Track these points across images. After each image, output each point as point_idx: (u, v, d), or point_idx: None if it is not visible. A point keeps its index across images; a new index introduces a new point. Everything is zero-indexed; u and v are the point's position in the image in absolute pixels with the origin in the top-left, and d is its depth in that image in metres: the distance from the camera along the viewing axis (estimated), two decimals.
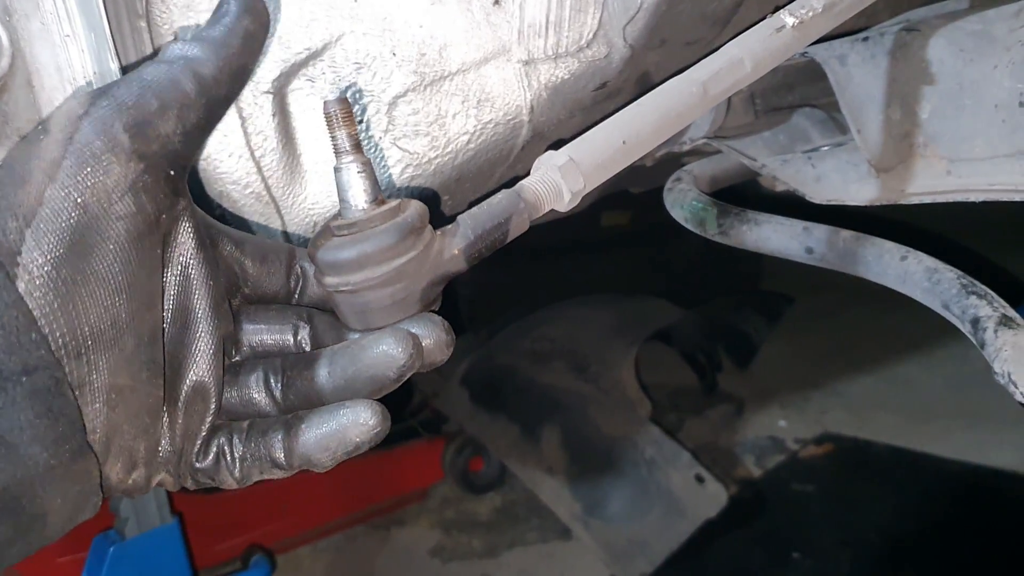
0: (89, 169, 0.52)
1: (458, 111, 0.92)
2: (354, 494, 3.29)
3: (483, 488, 3.60)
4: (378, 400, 0.62)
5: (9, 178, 0.52)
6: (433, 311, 0.66)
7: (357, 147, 0.64)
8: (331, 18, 0.82)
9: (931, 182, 0.93)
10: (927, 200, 0.94)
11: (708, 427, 3.92)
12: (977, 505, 3.10)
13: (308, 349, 0.67)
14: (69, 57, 0.75)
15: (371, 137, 0.89)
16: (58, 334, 0.50)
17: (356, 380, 0.60)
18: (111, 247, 0.53)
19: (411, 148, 0.91)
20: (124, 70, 0.78)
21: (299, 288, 0.70)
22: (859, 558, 2.92)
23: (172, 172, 0.57)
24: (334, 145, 0.64)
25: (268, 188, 0.86)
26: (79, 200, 0.52)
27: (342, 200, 0.64)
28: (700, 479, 3.10)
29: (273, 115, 0.83)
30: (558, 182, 0.66)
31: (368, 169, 0.64)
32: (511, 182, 0.68)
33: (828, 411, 3.89)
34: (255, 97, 0.82)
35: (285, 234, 0.90)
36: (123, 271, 0.54)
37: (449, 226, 0.65)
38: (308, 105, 0.84)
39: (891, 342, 4.16)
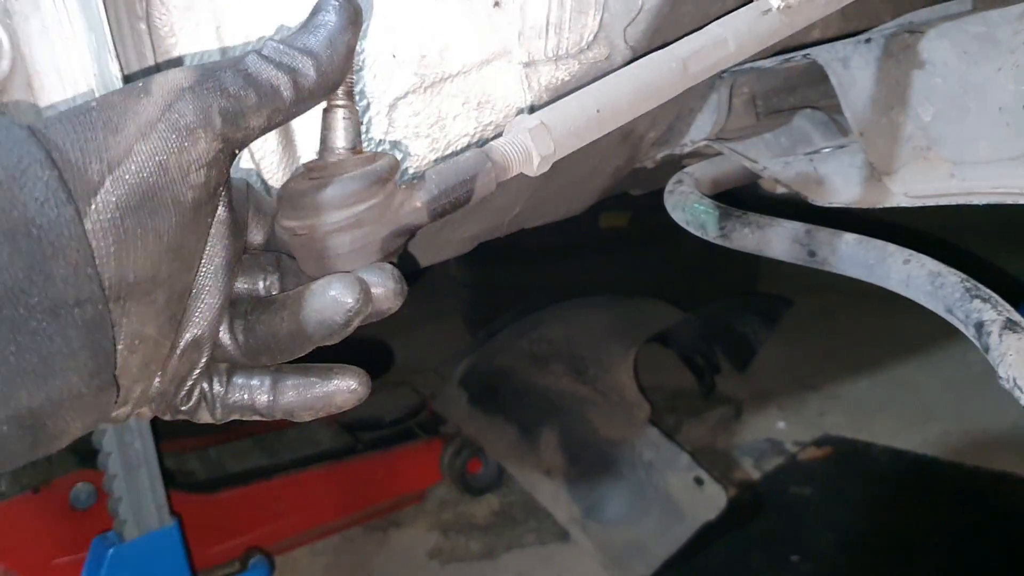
0: (178, 137, 0.55)
1: (459, 113, 0.92)
2: (352, 496, 3.29)
3: (481, 490, 3.59)
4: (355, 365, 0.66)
5: (103, 123, 0.54)
6: (392, 263, 0.67)
7: (349, 95, 0.65)
8: None
9: (934, 185, 0.93)
10: (930, 203, 0.94)
11: (706, 429, 3.92)
12: (976, 508, 3.10)
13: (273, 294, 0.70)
14: (69, 59, 0.75)
15: (371, 139, 0.89)
16: (107, 275, 0.53)
17: (307, 325, 0.62)
18: (176, 210, 0.56)
19: (411, 149, 0.91)
20: (124, 72, 0.77)
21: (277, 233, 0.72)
22: (858, 561, 2.92)
23: (236, 151, 0.60)
24: None
25: (267, 189, 0.86)
26: (163, 161, 0.54)
27: (322, 141, 0.65)
28: (699, 481, 3.10)
29: None
30: (528, 145, 0.66)
31: (354, 118, 0.65)
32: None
33: (827, 413, 3.89)
34: None
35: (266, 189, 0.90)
36: (178, 233, 0.57)
37: (414, 180, 0.65)
38: None
39: (890, 344, 4.16)
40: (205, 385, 0.65)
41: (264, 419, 0.67)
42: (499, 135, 0.95)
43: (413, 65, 0.87)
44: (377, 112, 0.87)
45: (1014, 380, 0.74)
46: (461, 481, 3.54)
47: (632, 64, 0.72)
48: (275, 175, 0.85)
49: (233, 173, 0.83)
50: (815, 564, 2.94)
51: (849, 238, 0.96)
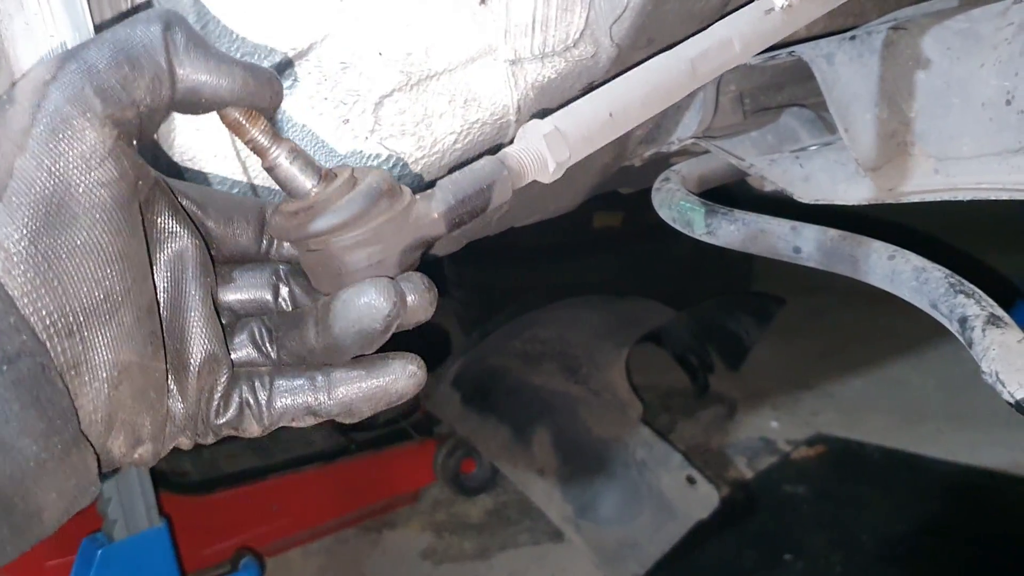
0: (61, 135, 0.48)
1: (445, 111, 0.92)
2: (345, 496, 3.29)
3: (474, 490, 3.60)
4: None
5: None
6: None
7: (276, 137, 0.60)
8: (317, 17, 0.82)
9: (919, 181, 0.93)
10: (915, 199, 0.94)
11: (699, 428, 3.92)
12: (968, 506, 3.10)
13: (289, 308, 0.65)
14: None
15: (357, 137, 0.89)
16: (44, 313, 0.47)
17: (345, 336, 0.58)
18: (97, 215, 0.49)
19: (397, 148, 0.91)
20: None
21: (272, 247, 0.67)
22: (851, 559, 2.93)
23: (134, 141, 0.53)
24: (254, 148, 0.60)
25: (254, 188, 0.86)
26: (53, 168, 0.48)
27: (290, 191, 0.60)
28: (691, 480, 3.10)
29: None
30: (543, 151, 0.65)
31: (298, 152, 0.60)
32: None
33: (820, 412, 3.90)
34: None
35: (253, 190, 0.90)
36: (113, 240, 0.50)
37: (429, 190, 0.63)
38: (293, 104, 0.84)
39: (883, 343, 4.17)
40: (246, 394, 0.60)
41: (320, 419, 0.61)
42: (496, 132, 0.96)
43: (399, 63, 0.87)
44: (363, 110, 0.87)
45: (996, 374, 0.74)
46: (455, 481, 3.54)
47: (640, 66, 0.71)
48: (262, 172, 0.85)
49: (218, 173, 0.84)
50: (808, 562, 2.95)
51: (834, 234, 0.96)
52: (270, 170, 0.60)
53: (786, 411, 3.95)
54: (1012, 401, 0.74)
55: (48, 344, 0.47)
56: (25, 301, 0.46)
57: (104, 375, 0.50)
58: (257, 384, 0.61)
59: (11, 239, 0.46)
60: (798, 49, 0.99)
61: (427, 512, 3.55)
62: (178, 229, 0.59)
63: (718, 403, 4.08)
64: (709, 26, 0.76)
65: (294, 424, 0.62)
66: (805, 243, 0.99)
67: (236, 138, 0.82)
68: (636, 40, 0.96)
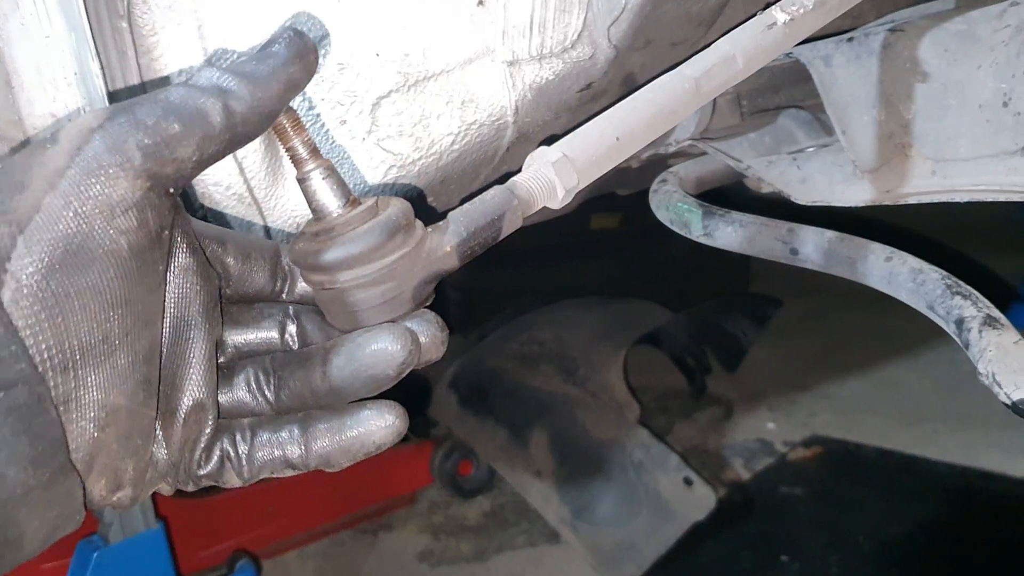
0: (94, 180, 0.49)
1: (442, 112, 0.92)
2: (342, 499, 3.28)
3: (472, 492, 3.59)
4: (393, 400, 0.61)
5: (6, 183, 0.49)
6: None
7: (315, 152, 0.62)
8: (315, 20, 0.82)
9: (916, 183, 0.93)
10: (912, 201, 0.94)
11: (697, 430, 3.92)
12: (966, 507, 3.11)
13: (296, 346, 0.65)
14: (49, 57, 0.75)
15: (354, 138, 0.89)
16: (44, 346, 0.48)
17: (355, 380, 0.59)
18: (111, 260, 0.50)
19: (395, 149, 0.91)
20: (104, 69, 0.77)
21: (286, 286, 0.68)
22: (848, 561, 2.93)
23: (172, 190, 0.55)
24: (291, 156, 0.62)
25: (251, 190, 0.86)
26: (80, 210, 0.49)
27: (314, 209, 0.62)
28: (688, 482, 3.10)
29: None
30: (552, 179, 0.65)
31: (333, 172, 0.62)
32: (497, 183, 0.67)
33: (817, 414, 3.90)
34: None
35: (267, 235, 0.90)
36: (121, 286, 0.51)
37: (441, 223, 0.63)
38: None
39: (880, 345, 4.17)
40: (227, 446, 0.61)
41: (299, 472, 0.61)
42: (494, 133, 0.96)
43: (396, 64, 0.87)
44: (360, 111, 0.87)
45: (993, 376, 0.74)
46: (452, 483, 3.54)
47: (645, 88, 0.71)
48: (257, 175, 0.85)
49: (215, 174, 0.83)
50: (805, 564, 2.95)
51: (831, 235, 0.97)
52: (301, 182, 0.61)
53: (783, 413, 3.95)
54: (1008, 402, 0.74)
55: (44, 377, 0.48)
56: (28, 332, 0.47)
57: (92, 415, 0.51)
58: (239, 437, 0.61)
59: (26, 271, 0.47)
60: (796, 51, 0.99)
61: (424, 514, 3.54)
62: (191, 276, 0.59)
63: (715, 405, 4.08)
64: (710, 44, 0.75)
65: (273, 475, 0.62)
66: (802, 245, 0.99)
67: (245, 167, 0.83)
68: (634, 41, 0.97)
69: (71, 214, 0.49)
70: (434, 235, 0.62)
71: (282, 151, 0.67)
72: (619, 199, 1.78)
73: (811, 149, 1.09)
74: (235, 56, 0.80)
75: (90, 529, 2.39)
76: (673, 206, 1.13)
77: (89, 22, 0.75)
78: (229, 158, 0.83)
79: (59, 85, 0.75)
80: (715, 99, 1.18)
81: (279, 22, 0.81)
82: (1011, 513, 3.02)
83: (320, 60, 0.60)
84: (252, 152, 0.83)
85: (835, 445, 3.64)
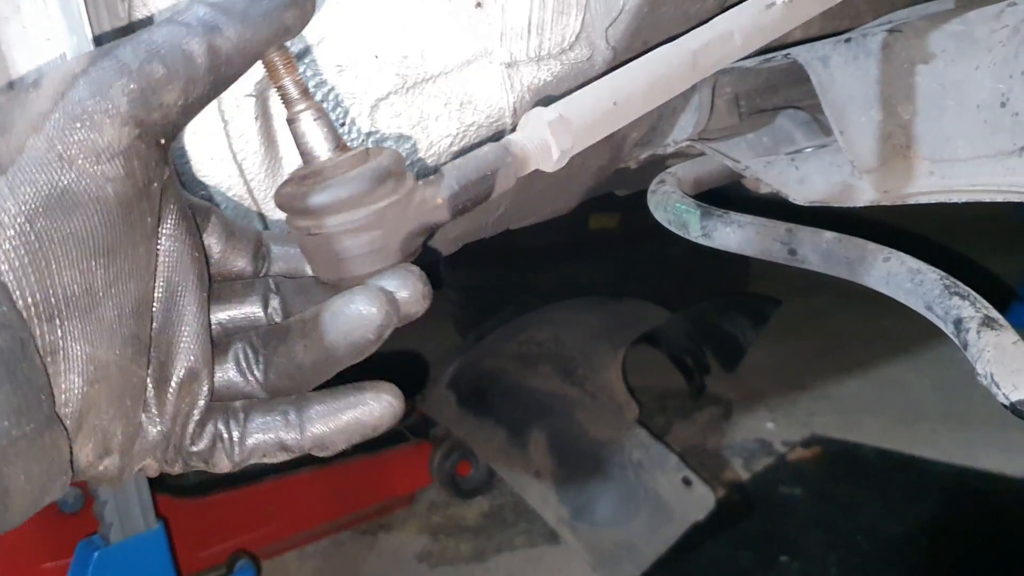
0: (79, 125, 0.48)
1: (440, 113, 0.92)
2: (341, 499, 3.29)
3: (471, 492, 3.60)
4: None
5: None
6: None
7: (306, 93, 0.60)
8: (314, 20, 0.82)
9: (914, 183, 0.93)
10: (910, 201, 0.94)
11: (696, 430, 3.93)
12: (965, 507, 3.11)
13: (279, 319, 0.64)
14: (49, 60, 0.75)
15: (353, 140, 0.89)
16: (27, 292, 0.46)
17: (336, 348, 0.58)
18: (95, 208, 0.49)
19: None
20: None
21: (265, 268, 0.67)
22: (847, 561, 2.93)
23: (163, 140, 0.53)
24: (282, 96, 0.60)
25: (250, 191, 0.86)
26: (64, 154, 0.48)
27: (303, 152, 0.60)
28: (687, 482, 3.10)
29: (255, 118, 0.83)
30: (547, 139, 0.64)
31: (323, 115, 0.60)
32: None
33: (816, 414, 3.90)
34: (237, 100, 0.81)
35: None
36: (105, 235, 0.50)
37: (433, 176, 0.62)
38: None
39: (879, 345, 4.17)
40: (220, 426, 0.59)
41: (293, 455, 0.60)
42: (492, 135, 0.96)
43: (395, 66, 0.87)
44: (359, 113, 0.87)
45: (991, 376, 0.75)
46: (451, 484, 3.54)
47: (643, 57, 0.71)
48: (257, 176, 0.85)
49: (214, 176, 0.84)
50: (804, 564, 2.95)
51: (829, 236, 0.97)
52: (291, 123, 0.60)
53: (782, 412, 3.95)
54: (1007, 403, 0.74)
55: (29, 324, 0.47)
56: (11, 277, 0.46)
57: (80, 368, 0.49)
58: (231, 419, 0.59)
59: (8, 213, 0.46)
60: (794, 51, 0.99)
61: (423, 514, 3.55)
62: (183, 238, 0.58)
63: (714, 404, 4.08)
64: (709, 20, 0.76)
65: (265, 460, 0.60)
66: (800, 245, 0.99)
67: (232, 141, 0.83)
68: (632, 43, 0.97)
69: (55, 157, 0.48)
70: (426, 187, 0.61)
71: (291, 143, 0.66)
72: (617, 199, 1.78)
73: (809, 150, 1.09)
74: None
75: (90, 529, 2.40)
76: (671, 206, 1.13)
77: (90, 25, 0.75)
78: (228, 159, 0.83)
79: None
80: (713, 99, 1.18)
81: None
82: (1010, 513, 3.03)
83: (315, 10, 0.59)
84: (252, 153, 0.83)
85: (834, 445, 3.65)
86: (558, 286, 4.06)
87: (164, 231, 0.57)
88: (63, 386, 0.49)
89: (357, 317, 0.57)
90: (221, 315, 0.64)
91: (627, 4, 0.91)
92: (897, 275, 0.88)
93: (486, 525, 3.47)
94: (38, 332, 0.47)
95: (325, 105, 0.86)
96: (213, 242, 0.64)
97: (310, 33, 0.83)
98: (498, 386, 3.56)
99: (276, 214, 0.89)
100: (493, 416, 3.46)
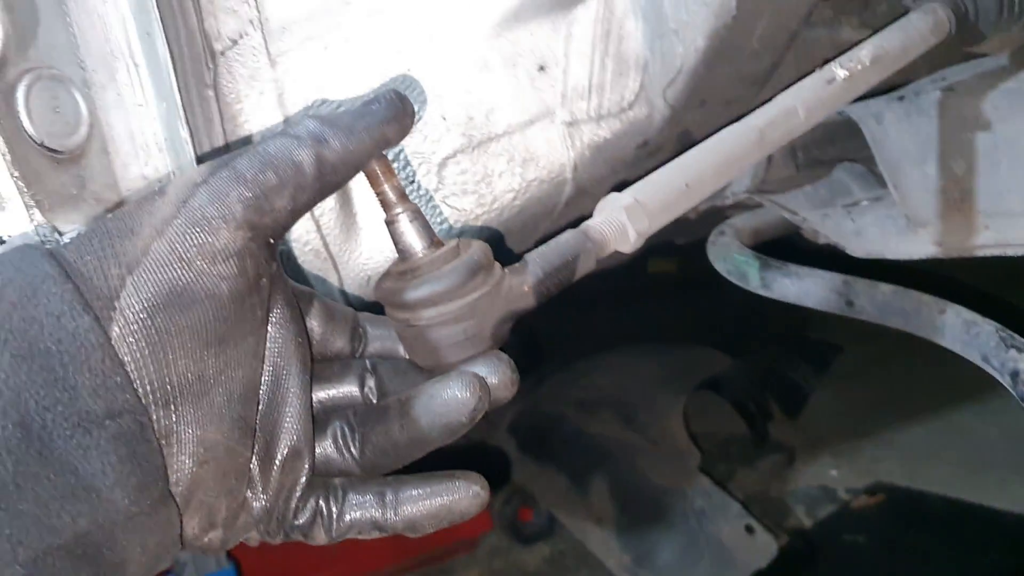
0: (198, 230, 0.53)
1: (504, 170, 0.96)
2: (404, 543, 3.28)
3: (532, 538, 3.58)
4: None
5: (118, 229, 0.53)
6: (500, 349, 0.66)
7: (403, 197, 0.64)
8: (386, 87, 0.87)
9: (969, 237, 0.94)
10: (965, 254, 0.95)
11: (758, 477, 3.88)
12: None
13: (375, 399, 0.67)
14: (142, 125, 0.80)
15: (422, 196, 0.93)
16: (147, 380, 0.50)
17: (431, 430, 0.61)
18: (210, 303, 0.54)
19: (459, 205, 0.95)
20: (192, 135, 0.82)
21: (361, 348, 0.70)
22: None
23: (272, 240, 0.58)
24: (381, 200, 0.65)
25: (326, 245, 0.90)
26: (184, 256, 0.53)
27: (400, 249, 0.64)
28: (750, 530, 3.07)
29: None
30: (623, 222, 0.67)
31: (419, 215, 0.65)
32: (555, 235, 0.69)
33: (880, 461, 3.83)
34: None
35: (341, 288, 0.94)
36: (217, 327, 0.54)
37: (517, 264, 0.65)
38: None
39: (944, 391, 4.08)
40: (321, 503, 0.63)
41: (385, 534, 0.64)
42: (554, 190, 1.00)
43: (461, 127, 0.91)
44: (427, 171, 0.92)
45: None
46: (512, 529, 3.53)
47: (712, 137, 0.74)
48: (333, 231, 0.90)
49: (294, 231, 0.88)
50: None
51: (886, 288, 0.98)
52: (389, 224, 0.65)
53: (846, 459, 3.88)
54: None
55: (148, 408, 0.51)
56: (133, 366, 0.50)
57: (190, 450, 0.54)
58: (331, 494, 0.63)
59: (133, 309, 0.51)
60: (848, 109, 1.01)
61: (485, 559, 3.54)
62: (288, 325, 0.62)
63: (777, 451, 4.03)
64: (773, 96, 0.78)
65: (360, 536, 0.64)
66: (857, 297, 1.01)
67: (321, 224, 0.87)
68: (689, 101, 1.00)
69: (176, 259, 0.53)
70: (512, 275, 0.65)
71: (365, 199, 0.69)
72: (676, 243, 1.80)
73: (865, 202, 1.11)
74: (335, 105, 0.85)
75: (164, 568, 2.44)
76: (730, 257, 1.15)
77: (179, 91, 0.80)
78: (308, 216, 0.88)
79: (151, 150, 0.80)
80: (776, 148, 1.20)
81: (354, 90, 0.86)
82: None
83: (416, 122, 0.64)
84: (328, 210, 0.88)
85: (899, 493, 3.57)
86: (617, 330, 4.05)
87: (272, 319, 0.61)
88: (175, 466, 0.53)
89: (452, 401, 0.60)
90: (321, 394, 0.67)
91: (685, 65, 0.94)
92: (953, 327, 0.90)
93: (547, 571, 3.45)
94: (155, 416, 0.51)
95: (396, 164, 0.90)
96: (315, 325, 0.68)
97: (411, 94, 0.87)
98: (559, 431, 3.56)
99: (349, 267, 0.93)
100: (554, 461, 3.46)
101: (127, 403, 0.50)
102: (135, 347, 0.50)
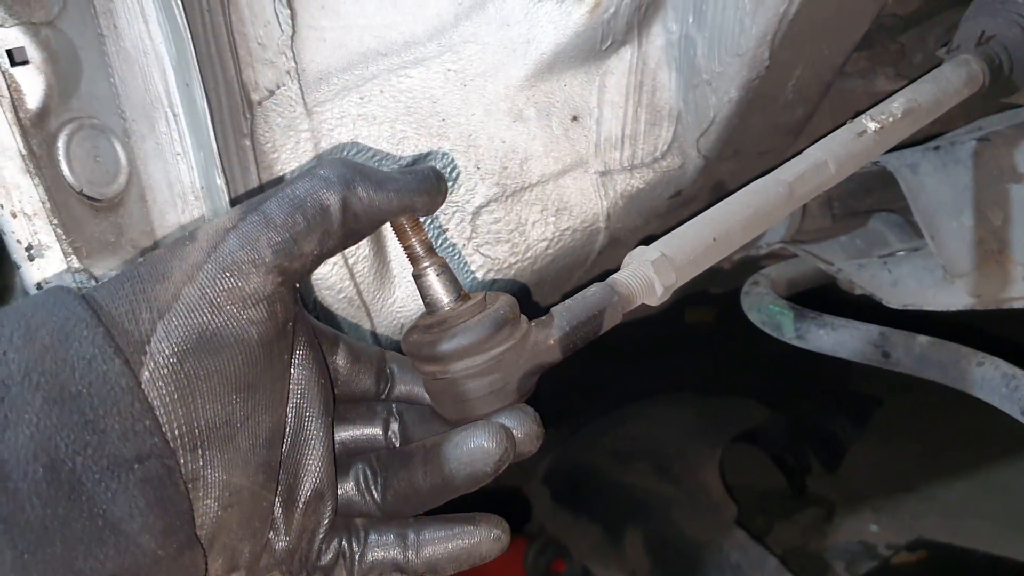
0: (228, 275, 0.54)
1: (537, 219, 0.96)
2: None
3: None
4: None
5: (150, 274, 0.54)
6: (530, 398, 0.66)
7: (431, 250, 0.65)
8: (420, 136, 0.88)
9: (1008, 288, 0.93)
10: (1004, 306, 0.94)
11: (797, 531, 3.81)
12: None
13: (398, 443, 0.67)
14: (179, 174, 0.81)
15: (455, 244, 0.93)
16: (175, 424, 0.51)
17: (454, 477, 0.61)
18: (239, 348, 0.54)
19: (493, 254, 0.95)
20: (229, 184, 0.84)
21: (388, 388, 0.70)
22: None
23: (298, 284, 0.59)
24: (409, 255, 0.65)
25: (360, 293, 0.91)
26: (215, 301, 0.53)
27: (428, 302, 0.65)
28: None
29: None
30: (650, 276, 0.67)
31: (446, 269, 0.65)
32: (588, 284, 0.69)
33: (921, 516, 3.75)
34: None
35: (374, 335, 0.95)
36: (246, 373, 0.55)
37: (544, 317, 0.66)
38: None
39: (988, 445, 4.00)
40: (344, 543, 0.63)
41: (407, 575, 0.63)
42: (587, 239, 1.00)
43: (495, 176, 0.92)
44: (461, 220, 0.92)
45: None
46: None
47: (741, 191, 0.74)
48: (367, 279, 0.90)
49: (328, 278, 0.89)
50: None
51: (923, 340, 0.97)
52: (417, 277, 0.65)
53: (886, 514, 3.81)
54: None
55: (176, 452, 0.51)
56: (163, 410, 0.51)
57: (216, 494, 0.54)
58: (353, 536, 0.63)
59: (163, 353, 0.51)
60: (883, 159, 1.01)
61: None
62: (311, 367, 0.63)
63: (815, 505, 3.96)
64: (800, 151, 0.78)
65: None
66: (894, 349, 0.99)
67: (355, 272, 0.88)
68: (723, 151, 1.00)
69: (207, 304, 0.53)
70: (538, 329, 0.65)
71: (398, 248, 0.70)
72: (713, 293, 1.79)
73: (902, 253, 1.10)
74: (369, 153, 0.86)
75: None
76: (765, 308, 1.15)
77: (216, 141, 0.81)
78: (341, 263, 0.89)
79: (188, 199, 0.82)
80: (805, 202, 1.20)
81: (388, 140, 0.87)
82: None
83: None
84: (362, 258, 0.89)
85: (942, 550, 3.49)
86: (654, 379, 4.02)
87: (295, 360, 0.62)
88: (201, 510, 0.53)
89: (478, 450, 0.60)
90: (344, 435, 0.68)
91: (718, 116, 0.95)
92: (991, 380, 0.88)
93: None
94: (183, 460, 0.52)
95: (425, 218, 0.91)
96: (340, 365, 0.68)
97: (417, 149, 0.88)
98: (593, 482, 3.53)
99: (382, 315, 0.94)
100: (588, 513, 3.43)
101: (155, 447, 0.50)
102: (164, 391, 0.51)
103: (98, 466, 0.48)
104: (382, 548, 0.63)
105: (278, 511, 0.61)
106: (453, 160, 0.89)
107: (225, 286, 0.54)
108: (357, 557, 0.63)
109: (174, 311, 0.53)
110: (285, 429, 0.61)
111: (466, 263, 0.95)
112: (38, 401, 0.48)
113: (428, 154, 0.88)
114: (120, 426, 0.49)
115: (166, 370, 0.51)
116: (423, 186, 0.62)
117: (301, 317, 0.63)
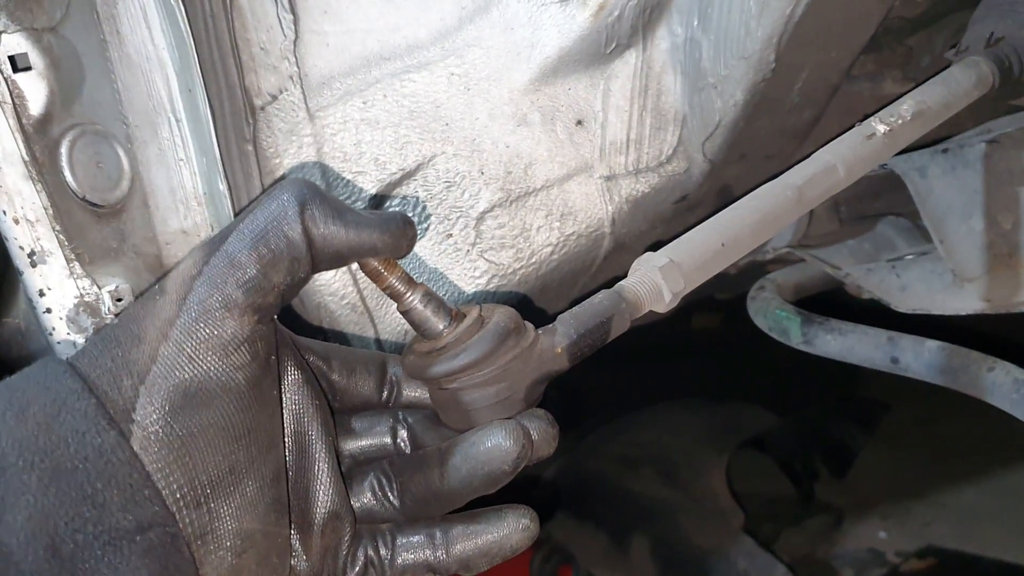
0: (203, 325, 0.52)
1: (542, 224, 0.96)
2: None
3: None
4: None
5: (125, 337, 0.53)
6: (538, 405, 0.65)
7: (411, 283, 0.63)
8: (424, 141, 0.87)
9: (1018, 291, 0.92)
10: (1015, 310, 0.93)
11: (804, 538, 3.78)
12: None
13: (408, 450, 0.67)
14: (182, 179, 0.81)
15: (459, 250, 0.93)
16: (175, 487, 0.51)
17: (473, 477, 0.60)
18: (229, 396, 0.53)
19: (497, 260, 0.95)
20: (231, 188, 0.83)
21: (393, 395, 0.70)
22: None
23: (276, 315, 0.58)
24: (390, 294, 0.63)
25: (363, 299, 0.91)
26: (193, 355, 0.52)
27: (423, 332, 0.64)
28: None
29: None
30: (658, 283, 0.67)
31: (430, 295, 0.63)
32: (594, 291, 0.69)
33: (931, 523, 3.72)
34: None
35: (378, 342, 0.94)
36: (243, 418, 0.54)
37: (550, 326, 0.65)
38: None
39: (998, 451, 3.99)
40: (371, 551, 0.62)
41: (439, 575, 0.63)
42: (592, 244, 0.99)
43: (499, 181, 0.91)
44: (465, 225, 0.92)
45: None
46: None
47: (749, 196, 0.74)
48: (371, 285, 0.90)
49: (331, 285, 0.88)
50: None
51: (932, 345, 0.96)
52: (405, 313, 0.64)
53: (895, 521, 3.79)
54: None
55: (178, 515, 0.51)
56: (159, 476, 0.50)
57: (228, 544, 0.53)
58: (380, 541, 0.63)
59: (150, 419, 0.51)
60: (891, 162, 1.00)
61: None
62: (303, 388, 0.62)
63: (824, 512, 3.93)
64: (808, 155, 0.77)
65: None
66: (903, 354, 0.98)
67: (358, 277, 0.88)
68: (728, 155, 0.99)
69: (186, 360, 0.52)
70: (544, 337, 0.64)
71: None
72: (719, 298, 1.79)
73: (910, 257, 1.09)
74: (350, 193, 0.85)
75: None
76: (771, 313, 1.14)
77: (219, 146, 0.81)
78: (345, 270, 0.88)
79: (190, 204, 0.81)
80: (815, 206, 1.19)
81: (392, 145, 0.86)
82: None
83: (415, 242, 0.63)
84: None
85: (952, 557, 3.47)
86: (660, 385, 4.01)
87: (285, 388, 0.61)
88: (214, 563, 0.53)
89: (495, 449, 0.59)
90: (352, 446, 0.67)
91: (723, 119, 0.94)
92: (1002, 385, 0.87)
93: None
94: (187, 520, 0.51)
95: (434, 217, 0.90)
96: (335, 380, 0.67)
97: (421, 154, 0.88)
98: (599, 488, 3.52)
99: (386, 321, 0.93)
100: (594, 519, 3.41)
101: (157, 516, 0.49)
102: (158, 456, 0.50)
103: (99, 541, 0.48)
104: (412, 550, 0.62)
105: (295, 539, 0.60)
106: (426, 211, 0.89)
107: (202, 336, 0.53)
108: (387, 562, 0.62)
109: (154, 373, 0.52)
110: (287, 458, 0.60)
111: (470, 268, 0.94)
112: (34, 480, 0.47)
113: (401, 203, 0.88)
114: (119, 498, 0.48)
115: (156, 435, 0.51)
116: (390, 229, 0.59)
117: (283, 342, 0.62)
